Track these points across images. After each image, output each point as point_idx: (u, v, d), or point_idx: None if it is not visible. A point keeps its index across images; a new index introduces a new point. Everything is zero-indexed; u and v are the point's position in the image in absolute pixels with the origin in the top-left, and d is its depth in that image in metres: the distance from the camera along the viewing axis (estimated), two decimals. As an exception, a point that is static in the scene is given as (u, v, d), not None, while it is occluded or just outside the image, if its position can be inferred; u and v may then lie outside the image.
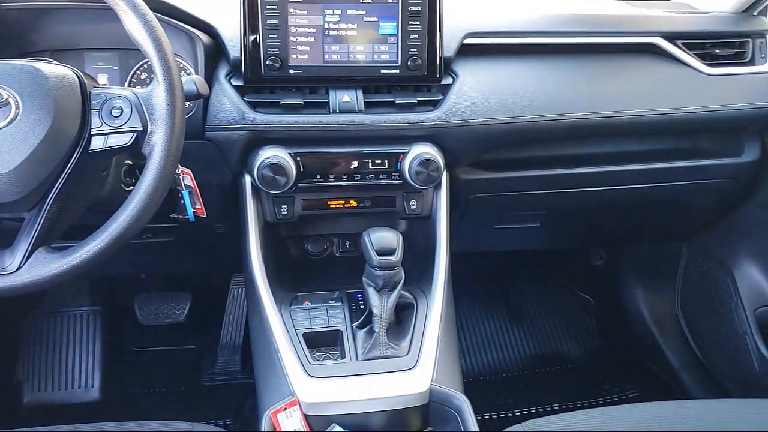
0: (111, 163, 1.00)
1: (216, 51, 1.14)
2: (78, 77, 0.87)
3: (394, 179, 1.18)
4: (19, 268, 0.83)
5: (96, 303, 1.89)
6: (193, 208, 1.15)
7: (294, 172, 1.11)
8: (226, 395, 1.79)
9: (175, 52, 1.02)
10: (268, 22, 1.08)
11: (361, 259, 1.07)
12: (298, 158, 1.13)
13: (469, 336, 2.04)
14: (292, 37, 1.10)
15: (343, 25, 1.11)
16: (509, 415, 1.75)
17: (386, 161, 1.17)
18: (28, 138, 0.80)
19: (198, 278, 1.99)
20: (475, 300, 2.11)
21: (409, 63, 1.13)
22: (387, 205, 1.24)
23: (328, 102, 1.13)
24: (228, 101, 1.11)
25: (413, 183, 1.16)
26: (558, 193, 1.38)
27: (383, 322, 1.04)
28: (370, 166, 1.17)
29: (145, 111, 0.87)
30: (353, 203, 1.22)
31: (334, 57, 1.12)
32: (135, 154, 0.89)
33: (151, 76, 0.91)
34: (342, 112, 1.13)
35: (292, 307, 1.12)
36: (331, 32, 1.11)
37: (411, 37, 1.12)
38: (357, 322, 1.09)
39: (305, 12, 1.09)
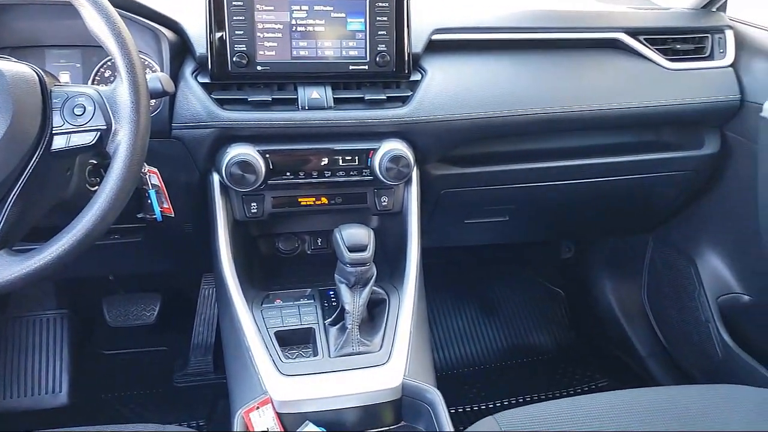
0: (75, 162, 0.98)
1: (182, 48, 1.12)
2: (38, 75, 0.85)
3: (364, 175, 1.18)
4: None
5: (63, 306, 1.84)
6: (161, 208, 1.13)
7: (263, 169, 1.11)
8: (199, 396, 1.77)
9: (140, 50, 1.01)
10: (235, 18, 1.07)
11: (333, 256, 1.07)
12: (267, 155, 1.12)
13: (441, 330, 2.05)
14: (259, 34, 1.09)
15: (311, 21, 1.10)
16: (482, 407, 1.77)
17: (356, 158, 1.17)
18: None
19: (168, 279, 1.95)
20: (447, 294, 2.12)
21: (377, 59, 1.13)
22: (358, 202, 1.24)
23: (297, 98, 1.12)
24: (194, 98, 1.09)
25: (384, 179, 1.16)
26: (526, 188, 1.39)
27: (355, 319, 1.04)
28: (341, 163, 1.16)
29: (108, 109, 0.85)
30: (324, 200, 1.22)
31: (302, 53, 1.11)
32: (99, 153, 0.88)
33: (115, 74, 0.89)
34: (311, 108, 1.12)
35: (264, 305, 1.11)
36: (299, 28, 1.10)
37: (379, 33, 1.12)
38: (329, 319, 1.09)
39: (272, 8, 1.08)
